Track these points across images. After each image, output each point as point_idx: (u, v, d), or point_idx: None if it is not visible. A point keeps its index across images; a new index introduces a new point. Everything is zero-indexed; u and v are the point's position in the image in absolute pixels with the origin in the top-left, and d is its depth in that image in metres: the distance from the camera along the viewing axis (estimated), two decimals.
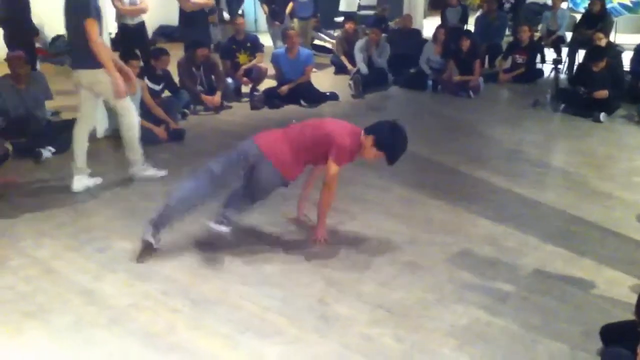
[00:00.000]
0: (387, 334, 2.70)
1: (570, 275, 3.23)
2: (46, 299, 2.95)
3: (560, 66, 7.76)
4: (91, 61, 4.09)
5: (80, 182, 4.35)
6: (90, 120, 4.47)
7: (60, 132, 5.24)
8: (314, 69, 7.84)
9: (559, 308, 2.92)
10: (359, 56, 7.88)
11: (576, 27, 8.90)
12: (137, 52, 6.31)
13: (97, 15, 4.03)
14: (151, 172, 4.59)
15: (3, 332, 2.68)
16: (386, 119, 3.62)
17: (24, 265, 3.28)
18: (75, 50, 4.24)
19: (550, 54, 8.86)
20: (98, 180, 4.49)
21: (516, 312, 2.87)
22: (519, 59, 8.24)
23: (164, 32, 11.48)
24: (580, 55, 7.97)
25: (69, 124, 5.37)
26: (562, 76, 7.80)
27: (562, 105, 6.67)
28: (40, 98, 5.24)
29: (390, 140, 3.42)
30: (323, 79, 8.24)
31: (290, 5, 9.51)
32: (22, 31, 6.69)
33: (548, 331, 2.72)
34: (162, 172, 4.64)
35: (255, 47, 7.63)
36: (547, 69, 8.24)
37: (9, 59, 5.17)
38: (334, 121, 3.62)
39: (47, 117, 5.41)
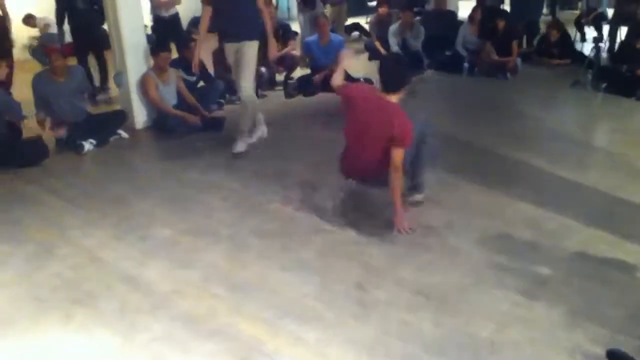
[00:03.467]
0: (426, 319, 2.70)
1: (613, 259, 3.17)
2: (93, 285, 3.05)
3: (601, 44, 7.53)
4: None
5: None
6: None
7: (101, 124, 5.37)
8: (347, 55, 7.79)
9: (601, 292, 2.87)
10: (392, 40, 7.80)
11: (618, 3, 8.60)
12: (172, 43, 6.44)
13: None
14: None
15: (54, 317, 2.79)
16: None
17: (71, 253, 3.39)
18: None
19: (590, 32, 8.61)
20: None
21: (557, 296, 2.84)
22: (554, 36, 8.01)
23: (198, 22, 11.55)
24: (623, 32, 7.73)
25: (109, 117, 5.54)
26: (604, 54, 7.57)
27: (604, 85, 6.49)
28: (79, 91, 5.35)
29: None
30: (357, 65, 8.19)
31: None
32: (93, 41, 6.70)
33: (590, 315, 2.68)
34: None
35: (287, 35, 7.62)
36: (588, 47, 8.01)
37: (47, 52, 5.30)
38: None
39: (87, 110, 5.53)
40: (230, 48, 4.74)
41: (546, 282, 2.96)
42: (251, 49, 4.69)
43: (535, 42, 8.56)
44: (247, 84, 4.73)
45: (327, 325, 2.68)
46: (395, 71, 3.58)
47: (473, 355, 2.46)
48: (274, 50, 5.02)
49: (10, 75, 5.77)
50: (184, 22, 8.64)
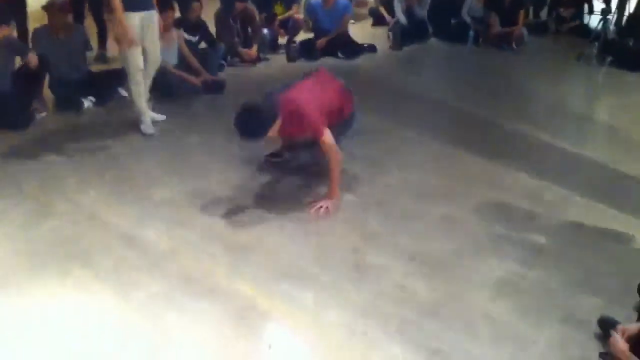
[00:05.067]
0: (421, 284, 2.72)
1: (610, 230, 3.19)
2: (90, 243, 3.06)
3: (609, 17, 7.42)
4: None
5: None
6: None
7: (101, 82, 5.32)
8: (351, 20, 7.69)
9: (597, 262, 2.89)
10: (398, 6, 7.66)
11: None
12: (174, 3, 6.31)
13: None
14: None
15: (51, 273, 2.80)
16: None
17: (68, 210, 3.39)
18: None
19: (598, 4, 8.47)
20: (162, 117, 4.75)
21: (553, 266, 2.86)
22: (565, 12, 7.91)
23: None
24: (632, 5, 7.61)
25: (110, 74, 5.48)
26: (611, 28, 7.47)
27: (609, 59, 6.42)
28: (79, 50, 5.28)
29: None
30: (361, 31, 8.09)
31: None
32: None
33: (585, 285, 2.70)
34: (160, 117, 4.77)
35: None
36: (595, 20, 7.90)
37: (46, 8, 5.19)
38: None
39: (87, 67, 5.46)
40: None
41: (542, 252, 2.98)
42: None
43: (541, 14, 8.43)
44: None
45: (323, 288, 2.70)
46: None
47: (467, 320, 2.48)
48: None
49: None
50: None
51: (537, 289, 2.69)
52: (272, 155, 3.93)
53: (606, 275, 2.77)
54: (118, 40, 4.30)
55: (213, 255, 2.96)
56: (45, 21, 5.14)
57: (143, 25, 4.30)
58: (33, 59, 4.72)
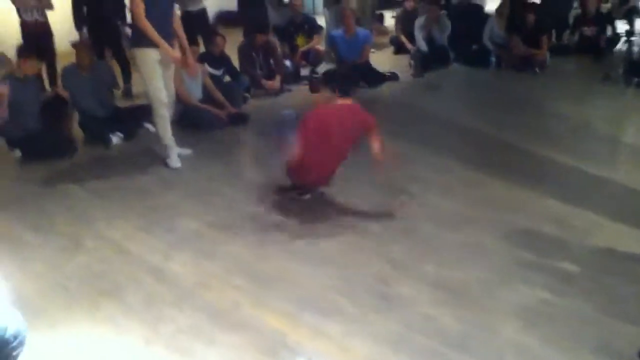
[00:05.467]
0: (449, 314, 2.68)
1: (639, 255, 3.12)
2: (119, 277, 3.10)
3: (633, 38, 7.37)
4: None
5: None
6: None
7: (128, 118, 5.45)
8: (372, 49, 7.77)
9: (628, 289, 2.82)
10: (419, 34, 7.72)
11: None
12: (199, 38, 6.47)
13: None
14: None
15: (82, 309, 2.84)
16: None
17: (98, 246, 3.45)
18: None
19: (622, 26, 8.41)
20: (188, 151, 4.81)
21: (583, 294, 2.80)
22: (588, 31, 7.88)
23: (224, 17, 11.61)
24: None
25: (136, 110, 5.61)
26: (636, 49, 7.40)
27: (636, 80, 6.35)
28: (104, 85, 5.42)
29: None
30: (382, 59, 8.15)
31: None
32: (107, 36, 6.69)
33: (616, 313, 2.64)
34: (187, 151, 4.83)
35: (312, 28, 7.62)
36: (619, 42, 7.85)
37: (75, 46, 5.37)
38: None
39: (115, 104, 5.60)
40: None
41: (573, 279, 2.92)
42: None
43: (564, 36, 8.40)
44: None
45: (350, 319, 2.68)
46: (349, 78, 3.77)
47: (497, 352, 2.44)
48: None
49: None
50: (211, 16, 8.69)
51: (569, 318, 2.64)
52: (300, 192, 3.92)
53: (639, 302, 2.70)
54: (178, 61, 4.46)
55: (239, 287, 2.97)
56: (73, 60, 5.30)
57: (163, 59, 4.40)
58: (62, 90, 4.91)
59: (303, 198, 3.90)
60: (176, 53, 4.32)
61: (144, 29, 4.20)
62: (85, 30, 6.41)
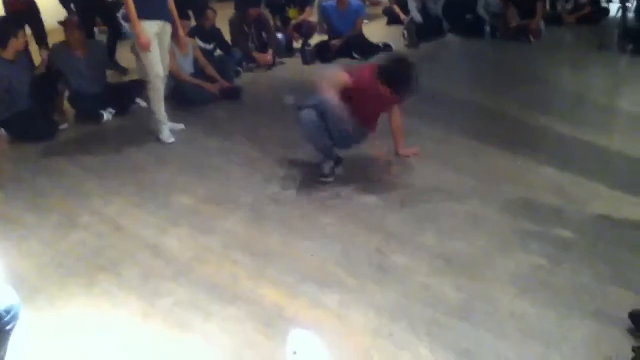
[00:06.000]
0: (447, 283, 2.68)
1: (638, 222, 3.11)
2: (115, 253, 3.09)
3: (628, 4, 7.30)
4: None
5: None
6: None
7: (119, 94, 5.38)
8: (365, 20, 7.67)
9: (626, 256, 2.82)
10: (412, 4, 7.62)
11: None
12: (190, 11, 6.36)
13: None
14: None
15: (78, 284, 2.83)
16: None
17: (93, 221, 3.43)
18: None
19: None
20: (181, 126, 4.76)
21: (582, 261, 2.80)
22: None
23: None
24: None
25: (128, 86, 5.54)
26: (630, 15, 7.33)
27: (630, 46, 6.30)
28: (98, 67, 5.33)
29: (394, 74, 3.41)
30: (375, 30, 8.05)
31: None
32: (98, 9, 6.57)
33: (615, 279, 2.64)
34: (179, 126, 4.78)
35: (304, 1, 7.51)
36: (614, 7, 7.77)
37: (64, 24, 5.27)
38: None
39: (106, 80, 5.52)
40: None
41: (571, 247, 2.92)
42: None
43: (558, 4, 8.32)
44: None
45: (348, 290, 2.68)
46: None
47: (496, 319, 2.44)
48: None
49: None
50: None
51: (566, 284, 2.64)
52: (323, 175, 3.80)
53: (636, 269, 2.71)
54: (134, 49, 4.35)
55: (236, 261, 2.96)
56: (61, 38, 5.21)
57: (159, 33, 4.34)
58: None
59: (327, 180, 3.76)
60: (145, 39, 4.20)
61: (126, 3, 4.15)
62: (72, 6, 6.29)
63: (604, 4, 8.02)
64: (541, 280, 2.68)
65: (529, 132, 4.45)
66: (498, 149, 4.11)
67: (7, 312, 1.94)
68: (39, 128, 4.77)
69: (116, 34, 6.74)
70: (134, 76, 5.91)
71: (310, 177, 3.82)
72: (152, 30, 4.26)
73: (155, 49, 4.31)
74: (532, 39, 7.17)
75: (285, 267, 2.88)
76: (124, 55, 6.48)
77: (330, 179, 3.75)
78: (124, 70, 6.45)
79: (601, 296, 2.55)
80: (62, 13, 5.79)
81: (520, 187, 3.56)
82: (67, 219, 3.46)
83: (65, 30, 5.16)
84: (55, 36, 5.63)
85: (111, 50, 6.54)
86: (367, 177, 3.78)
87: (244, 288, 2.74)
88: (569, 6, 7.96)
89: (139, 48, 4.27)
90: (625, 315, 2.35)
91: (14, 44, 4.69)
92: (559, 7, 8.28)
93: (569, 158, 3.94)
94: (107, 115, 5.12)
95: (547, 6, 8.33)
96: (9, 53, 4.68)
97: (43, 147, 4.60)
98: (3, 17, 5.87)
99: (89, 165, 4.22)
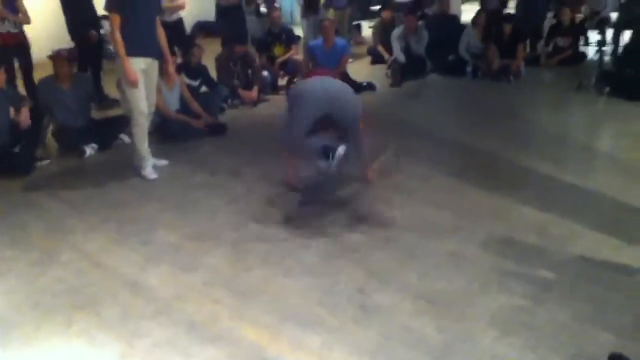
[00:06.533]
0: (429, 325, 2.68)
1: (618, 263, 3.14)
2: (95, 291, 3.04)
3: (604, 48, 7.52)
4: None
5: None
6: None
7: (103, 129, 5.38)
8: (350, 59, 7.79)
9: (607, 297, 2.84)
10: (396, 45, 7.77)
11: (622, 6, 8.57)
12: (176, 48, 6.43)
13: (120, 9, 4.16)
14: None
15: (56, 323, 2.78)
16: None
17: (73, 258, 3.38)
18: None
19: (594, 36, 8.58)
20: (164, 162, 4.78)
21: (562, 302, 2.81)
22: (562, 42, 8.02)
23: (202, 27, 11.59)
24: (626, 36, 7.70)
25: (112, 121, 5.54)
26: (607, 58, 7.55)
27: (607, 88, 6.46)
28: (83, 100, 5.34)
29: None
30: (360, 69, 8.19)
31: None
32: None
33: (596, 321, 2.65)
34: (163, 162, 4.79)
35: (290, 39, 7.63)
36: (591, 51, 8.00)
37: (51, 57, 5.29)
38: None
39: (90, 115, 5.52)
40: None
41: (551, 287, 2.94)
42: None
43: (538, 46, 8.53)
44: None
45: (330, 330, 2.66)
46: None
47: None
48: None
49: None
50: (188, 27, 8.66)
51: (546, 325, 2.65)
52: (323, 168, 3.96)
53: (617, 310, 2.72)
54: (121, 84, 4.38)
55: (218, 299, 2.93)
56: (51, 71, 5.22)
57: (147, 70, 4.38)
58: (25, 114, 4.78)
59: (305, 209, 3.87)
60: (133, 76, 4.25)
61: (114, 42, 4.20)
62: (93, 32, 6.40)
63: (581, 48, 8.24)
64: (522, 321, 2.68)
65: (509, 171, 4.51)
66: (479, 187, 4.16)
67: None
68: (16, 163, 4.72)
69: (98, 65, 6.77)
70: (119, 111, 5.93)
71: (294, 215, 3.82)
72: (140, 67, 4.29)
73: (141, 85, 4.34)
74: (512, 79, 7.32)
75: (267, 306, 2.86)
76: (113, 87, 6.50)
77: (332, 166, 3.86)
78: (110, 103, 6.46)
79: (581, 337, 2.55)
80: (51, 47, 5.79)
81: (501, 225, 3.59)
82: (46, 255, 3.42)
83: (55, 64, 5.17)
84: (44, 69, 5.62)
85: (96, 82, 6.56)
86: (351, 214, 3.79)
87: (225, 328, 2.71)
88: (549, 49, 8.17)
89: (126, 85, 4.30)
90: (605, 357, 2.36)
91: None
92: (538, 49, 8.49)
93: (549, 197, 3.99)
94: (89, 150, 5.11)
95: (527, 48, 8.54)
96: None
97: (24, 182, 4.57)
98: None
99: (69, 200, 4.19)
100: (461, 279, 3.04)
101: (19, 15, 5.91)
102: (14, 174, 4.63)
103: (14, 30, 5.89)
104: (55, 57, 5.25)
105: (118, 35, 4.16)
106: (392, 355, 2.48)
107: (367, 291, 2.95)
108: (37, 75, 5.73)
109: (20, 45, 6.00)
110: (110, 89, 6.59)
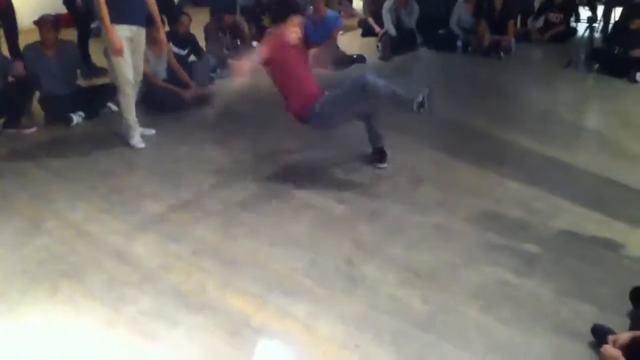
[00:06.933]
0: (414, 295, 2.71)
1: (602, 237, 3.19)
2: (80, 259, 3.03)
3: (595, 25, 7.51)
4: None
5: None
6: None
7: (90, 97, 5.30)
8: (340, 32, 7.71)
9: (590, 270, 2.89)
10: (387, 18, 7.69)
11: None
12: (164, 17, 6.31)
13: None
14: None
15: (40, 290, 2.77)
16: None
17: (58, 226, 3.36)
18: None
19: (584, 12, 8.57)
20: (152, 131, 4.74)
21: (546, 275, 2.85)
22: (554, 17, 8.00)
23: None
24: (617, 13, 7.70)
25: (99, 89, 5.46)
26: (597, 35, 7.55)
27: (597, 65, 6.48)
28: (69, 68, 5.25)
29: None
30: (350, 42, 8.11)
31: None
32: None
33: (578, 293, 2.70)
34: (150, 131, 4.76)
35: None
36: (581, 28, 7.98)
37: (38, 23, 5.17)
38: None
39: (77, 83, 5.44)
40: None
41: (535, 261, 2.98)
42: None
43: (529, 22, 8.51)
44: None
45: (316, 300, 2.68)
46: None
47: (460, 331, 2.47)
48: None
49: None
50: None
51: (530, 298, 2.69)
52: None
53: (600, 283, 2.77)
54: (107, 52, 4.30)
55: (204, 269, 2.94)
56: (37, 38, 5.11)
57: (133, 39, 4.30)
58: (19, 68, 4.70)
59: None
60: (117, 45, 4.17)
61: (98, 9, 4.11)
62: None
63: (572, 24, 8.22)
64: (506, 294, 2.72)
65: (495, 146, 4.53)
66: (465, 162, 4.18)
67: None
68: None
69: (85, 34, 6.63)
70: (107, 79, 5.84)
71: (282, 186, 3.82)
72: (125, 34, 4.22)
73: (127, 54, 4.27)
74: (502, 55, 7.31)
75: (253, 276, 2.87)
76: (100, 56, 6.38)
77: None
78: (98, 72, 6.35)
79: (564, 310, 2.60)
80: (36, 14, 5.65)
81: (486, 200, 3.62)
82: (31, 224, 3.39)
83: (40, 30, 5.06)
84: (29, 37, 5.51)
85: (84, 51, 6.44)
86: (338, 187, 3.79)
87: (212, 297, 2.72)
88: (539, 24, 8.14)
89: (112, 53, 4.23)
90: (588, 330, 2.41)
91: None
92: (529, 25, 8.46)
93: (535, 173, 4.02)
94: (76, 118, 5.04)
95: (518, 24, 8.51)
96: None
97: (7, 149, 4.51)
98: None
99: (55, 169, 4.14)
100: (446, 251, 3.07)
101: None
102: None
103: None
104: (41, 22, 5.12)
105: (102, 2, 4.07)
106: (378, 325, 2.51)
107: (353, 262, 2.97)
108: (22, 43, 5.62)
109: (5, 10, 5.86)
110: (98, 58, 6.47)
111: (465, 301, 2.67)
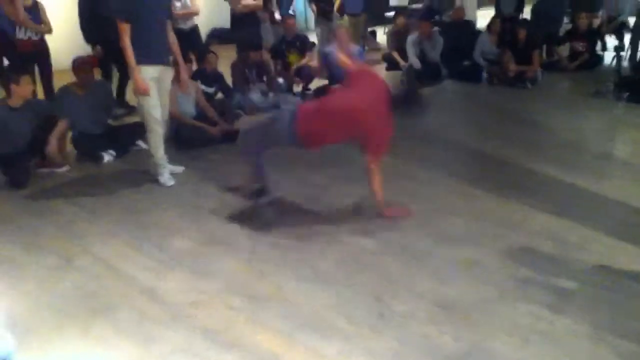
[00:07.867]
0: (446, 333, 2.65)
1: (635, 270, 3.10)
2: (111, 297, 3.06)
3: (622, 53, 7.45)
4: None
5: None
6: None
7: (121, 136, 5.42)
8: None
9: (626, 304, 2.81)
10: (411, 51, 7.76)
11: None
12: (192, 56, 6.46)
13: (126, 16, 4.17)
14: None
15: (73, 328, 2.79)
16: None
17: (89, 264, 3.40)
18: None
19: (611, 41, 8.52)
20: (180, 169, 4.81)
21: (581, 310, 2.78)
22: (578, 46, 7.97)
23: (217, 34, 11.67)
24: None
25: (129, 127, 5.58)
26: (625, 64, 7.48)
27: (626, 94, 6.40)
28: (100, 106, 5.36)
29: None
30: None
31: (338, 1, 9.49)
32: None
33: (615, 329, 2.62)
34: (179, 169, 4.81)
35: (305, 46, 7.65)
36: (608, 56, 7.93)
37: (75, 63, 5.28)
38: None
39: (107, 121, 5.56)
40: None
41: (569, 295, 2.90)
42: None
43: (554, 52, 8.48)
44: None
45: (346, 338, 2.65)
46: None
47: None
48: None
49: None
50: (203, 34, 8.70)
51: (567, 334, 2.61)
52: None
53: (636, 318, 2.69)
54: (139, 90, 4.40)
55: (233, 306, 2.93)
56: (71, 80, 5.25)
57: (159, 78, 4.40)
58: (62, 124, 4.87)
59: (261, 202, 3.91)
60: (142, 86, 4.27)
61: (123, 48, 4.21)
62: (98, 47, 6.38)
63: (598, 52, 8.17)
64: (541, 330, 2.65)
65: (526, 177, 4.48)
66: (496, 194, 4.13)
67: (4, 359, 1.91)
68: (14, 174, 4.68)
69: (126, 74, 6.79)
70: (135, 118, 5.97)
71: (309, 220, 3.81)
72: (151, 75, 4.32)
73: (154, 93, 4.36)
74: (529, 85, 7.27)
75: (282, 312, 2.85)
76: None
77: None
78: (130, 109, 6.48)
79: (601, 346, 2.52)
80: (71, 55, 5.82)
81: (516, 232, 3.56)
82: (62, 261, 3.44)
83: (79, 70, 5.14)
84: (65, 77, 5.67)
85: (122, 90, 6.60)
86: (365, 221, 3.77)
87: (241, 334, 2.70)
88: (566, 53, 8.11)
89: (137, 93, 4.34)
90: None
91: (18, 91, 4.67)
92: (556, 52, 8.43)
93: (566, 204, 3.95)
94: (107, 157, 5.15)
95: (544, 53, 8.49)
96: (14, 101, 4.70)
97: (39, 187, 4.61)
98: (10, 62, 5.94)
99: (86, 206, 4.22)
100: (478, 286, 3.01)
101: (41, 25, 5.99)
102: (11, 185, 4.62)
103: (35, 38, 5.97)
104: (80, 63, 5.24)
105: (127, 43, 4.19)
106: None
107: (382, 298, 2.94)
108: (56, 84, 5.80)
109: (41, 52, 6.07)
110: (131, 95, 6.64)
111: (498, 338, 2.60)
